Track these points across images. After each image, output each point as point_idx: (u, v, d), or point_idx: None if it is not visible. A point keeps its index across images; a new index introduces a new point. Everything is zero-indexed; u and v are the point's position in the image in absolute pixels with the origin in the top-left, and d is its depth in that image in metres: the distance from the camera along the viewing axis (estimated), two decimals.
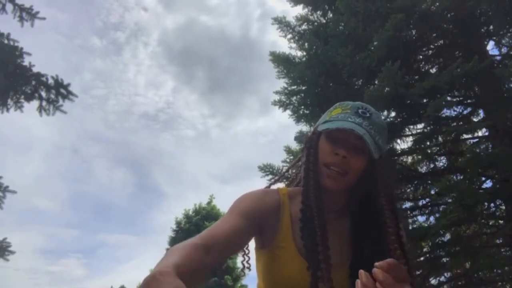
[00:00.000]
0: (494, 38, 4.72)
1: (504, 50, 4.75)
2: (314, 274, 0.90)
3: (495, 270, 4.40)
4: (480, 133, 4.61)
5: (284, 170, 1.30)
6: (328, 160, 1.01)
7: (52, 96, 6.03)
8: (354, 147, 1.01)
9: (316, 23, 5.57)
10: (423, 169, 5.22)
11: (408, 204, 5.03)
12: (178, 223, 17.81)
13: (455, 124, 4.36)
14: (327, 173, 1.00)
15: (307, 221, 0.97)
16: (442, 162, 5.14)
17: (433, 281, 4.67)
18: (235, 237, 0.92)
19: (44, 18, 6.09)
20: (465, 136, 4.60)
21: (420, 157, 5.07)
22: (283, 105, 5.20)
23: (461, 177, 4.36)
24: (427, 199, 4.93)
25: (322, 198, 1.00)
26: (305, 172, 1.04)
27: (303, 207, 1.00)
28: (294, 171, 1.23)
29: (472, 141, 4.68)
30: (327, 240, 0.95)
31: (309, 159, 1.04)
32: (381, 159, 1.04)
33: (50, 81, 5.98)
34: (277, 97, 5.22)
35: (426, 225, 4.62)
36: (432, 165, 5.15)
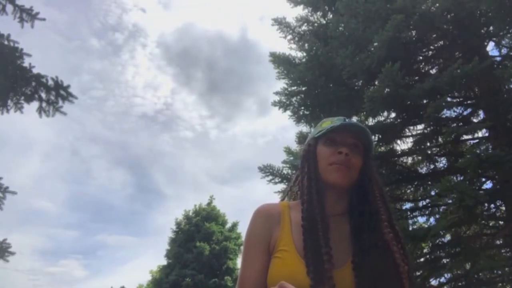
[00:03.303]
0: (494, 39, 4.71)
1: (504, 51, 4.74)
2: (315, 275, 0.96)
3: (495, 271, 4.39)
4: (480, 134, 4.61)
5: (287, 187, 1.42)
6: (333, 159, 1.10)
7: (52, 97, 6.02)
8: (352, 146, 1.11)
9: (316, 24, 5.58)
10: (423, 170, 5.21)
11: (408, 205, 5.03)
12: (178, 224, 17.80)
13: (455, 125, 4.34)
14: (335, 168, 1.09)
15: (309, 225, 1.04)
16: (442, 163, 5.14)
17: (434, 282, 4.67)
18: (264, 271, 1.05)
19: (44, 19, 6.07)
20: (465, 137, 4.60)
21: (420, 158, 5.06)
22: (283, 105, 5.20)
23: (461, 178, 4.35)
24: (427, 200, 4.93)
25: (324, 202, 1.08)
26: (308, 180, 1.11)
27: (306, 212, 1.06)
28: (296, 188, 1.30)
29: (472, 142, 4.67)
30: (329, 241, 1.01)
31: (309, 168, 1.13)
32: (371, 160, 1.16)
33: (50, 82, 5.97)
34: (277, 98, 5.22)
35: (426, 226, 4.62)
36: (432, 166, 5.15)
